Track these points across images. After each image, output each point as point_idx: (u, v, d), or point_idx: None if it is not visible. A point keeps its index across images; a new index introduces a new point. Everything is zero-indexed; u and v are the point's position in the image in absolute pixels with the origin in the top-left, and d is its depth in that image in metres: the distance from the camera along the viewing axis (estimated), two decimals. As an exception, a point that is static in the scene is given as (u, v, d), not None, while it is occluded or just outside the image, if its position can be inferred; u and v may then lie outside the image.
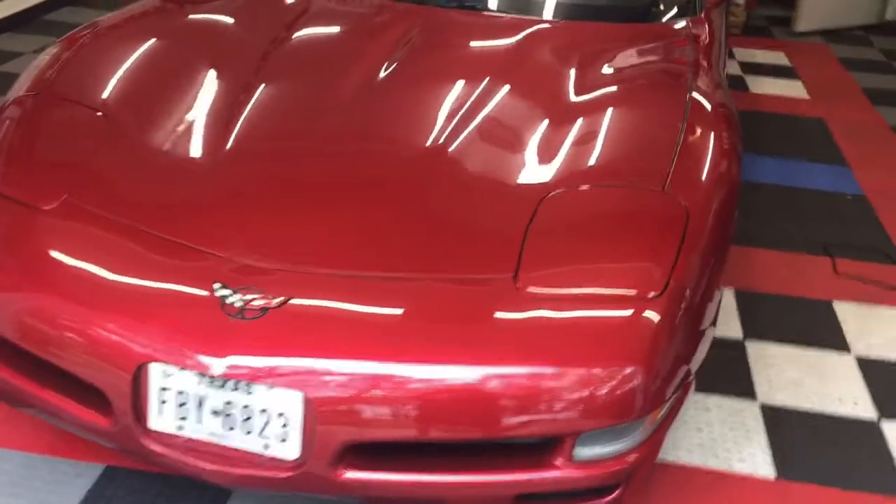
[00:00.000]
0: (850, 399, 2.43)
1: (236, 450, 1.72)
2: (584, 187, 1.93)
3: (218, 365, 1.64)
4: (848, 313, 2.83)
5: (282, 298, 1.69)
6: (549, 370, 1.64)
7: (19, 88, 2.23)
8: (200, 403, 1.71)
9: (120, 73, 2.26)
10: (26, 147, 2.06)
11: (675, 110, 2.17)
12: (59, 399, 1.80)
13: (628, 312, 1.70)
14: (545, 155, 2.04)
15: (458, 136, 2.08)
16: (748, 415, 2.34)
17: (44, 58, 2.34)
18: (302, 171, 2.01)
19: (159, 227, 1.85)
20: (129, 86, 2.23)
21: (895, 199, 3.66)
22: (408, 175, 1.98)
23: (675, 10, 2.78)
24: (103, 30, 2.47)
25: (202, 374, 1.67)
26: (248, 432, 1.70)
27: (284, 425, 1.68)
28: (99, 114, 2.12)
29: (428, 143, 2.07)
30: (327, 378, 1.63)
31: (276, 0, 2.69)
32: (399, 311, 1.69)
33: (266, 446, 1.70)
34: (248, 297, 1.70)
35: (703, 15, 2.79)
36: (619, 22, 2.71)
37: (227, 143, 2.07)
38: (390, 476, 1.69)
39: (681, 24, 2.71)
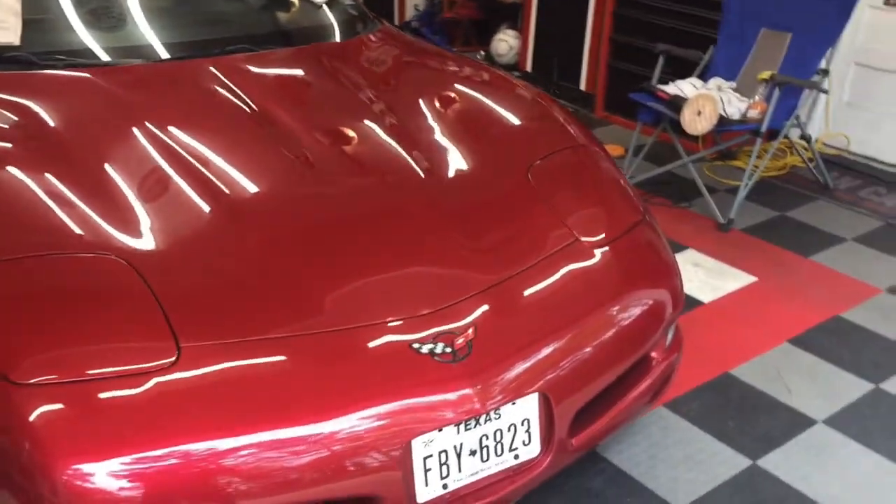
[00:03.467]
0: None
1: (493, 475, 1.82)
2: (547, 157, 2.34)
3: (473, 407, 1.72)
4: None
5: (471, 329, 1.81)
6: (655, 291, 2.12)
7: None
8: (459, 453, 1.76)
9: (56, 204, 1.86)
10: (72, 317, 1.63)
11: (508, 89, 2.66)
12: None
13: (652, 237, 2.24)
14: (489, 144, 2.36)
15: (416, 149, 2.26)
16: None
17: None
18: (337, 227, 1.98)
19: (300, 327, 1.73)
20: (95, 211, 1.85)
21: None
22: (418, 199, 2.11)
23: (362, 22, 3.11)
24: None
25: (458, 424, 1.73)
26: (500, 454, 1.82)
27: (527, 430, 1.84)
28: (110, 255, 1.77)
29: (402, 166, 2.19)
30: (547, 366, 1.85)
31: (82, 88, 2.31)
32: (557, 293, 1.97)
33: (516, 456, 1.85)
34: (445, 340, 1.77)
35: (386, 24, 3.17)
36: (338, 40, 2.94)
37: (254, 224, 1.92)
38: (598, 424, 1.99)
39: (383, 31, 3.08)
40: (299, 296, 1.80)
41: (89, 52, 2.42)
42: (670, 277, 2.20)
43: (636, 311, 2.06)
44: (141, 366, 1.59)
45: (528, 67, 5.57)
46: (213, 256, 1.85)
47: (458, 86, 2.63)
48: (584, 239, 2.11)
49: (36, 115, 2.17)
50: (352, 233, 1.98)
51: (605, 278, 2.08)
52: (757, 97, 3.88)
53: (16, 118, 2.16)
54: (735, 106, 3.86)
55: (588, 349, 1.93)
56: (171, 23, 2.62)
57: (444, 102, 2.52)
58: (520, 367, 1.81)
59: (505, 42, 5.70)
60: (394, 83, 2.63)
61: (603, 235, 2.15)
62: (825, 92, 3.91)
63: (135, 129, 2.14)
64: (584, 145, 2.44)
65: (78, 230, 1.83)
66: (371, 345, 1.74)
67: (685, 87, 3.95)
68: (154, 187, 1.98)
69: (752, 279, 3.35)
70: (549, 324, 1.91)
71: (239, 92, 2.35)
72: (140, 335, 1.65)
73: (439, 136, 2.35)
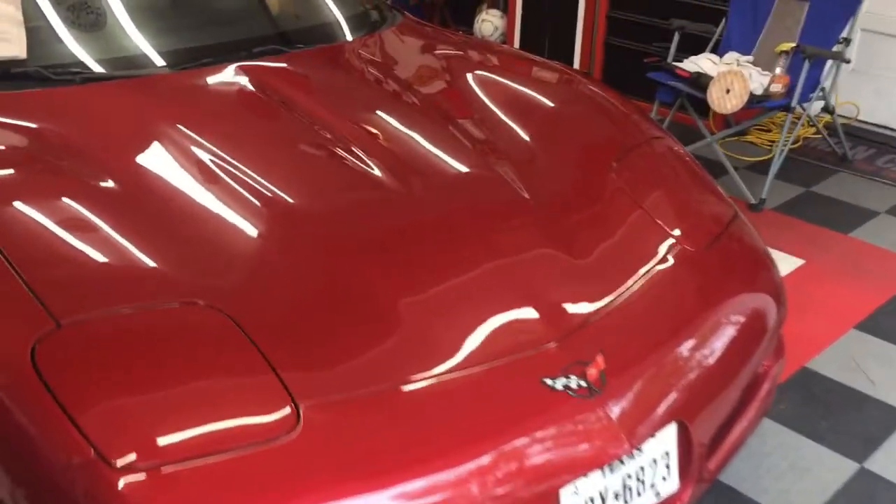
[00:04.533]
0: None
1: (637, 518, 1.64)
2: (628, 154, 2.14)
3: (621, 446, 1.53)
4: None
5: (600, 357, 1.61)
6: (763, 290, 1.97)
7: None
8: (604, 497, 1.57)
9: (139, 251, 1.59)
10: (176, 384, 1.39)
11: (566, 81, 2.46)
12: None
13: (748, 232, 2.08)
14: (565, 144, 2.15)
15: (490, 152, 2.05)
16: None
17: None
18: (427, 244, 1.77)
19: (418, 371, 1.51)
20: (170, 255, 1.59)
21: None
22: (508, 212, 1.90)
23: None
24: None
25: (603, 467, 1.53)
26: (640, 493, 1.63)
27: (667, 463, 1.66)
28: (199, 302, 1.52)
29: (483, 174, 1.97)
30: (681, 390, 1.67)
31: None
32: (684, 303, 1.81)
33: (657, 493, 1.66)
34: (576, 372, 1.57)
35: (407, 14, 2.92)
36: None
37: (340, 251, 1.69)
38: (727, 443, 1.82)
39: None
40: (407, 333, 1.58)
41: (109, 63, 2.14)
42: (773, 273, 2.04)
43: (750, 315, 1.89)
44: (260, 435, 1.36)
45: (516, 48, 5.36)
46: (305, 295, 1.61)
47: (514, 81, 2.40)
48: (686, 242, 1.93)
49: (64, 140, 1.90)
50: (446, 252, 1.76)
51: (715, 283, 1.91)
52: (778, 70, 3.73)
53: (40, 146, 1.89)
54: (756, 81, 3.71)
55: (715, 364, 1.75)
56: (193, 24, 2.34)
57: (505, 100, 2.30)
58: (656, 395, 1.63)
59: (489, 23, 5.48)
60: (442, 80, 2.41)
61: (705, 236, 1.98)
62: (847, 62, 3.79)
63: (186, 152, 1.86)
64: (660, 137, 2.26)
65: (157, 275, 1.57)
66: (501, 386, 1.54)
67: (704, 64, 3.78)
68: (222, 215, 1.73)
69: (799, 262, 3.22)
70: (673, 341, 1.73)
71: (284, 98, 2.09)
72: (253, 399, 1.40)
73: (512, 137, 2.14)
